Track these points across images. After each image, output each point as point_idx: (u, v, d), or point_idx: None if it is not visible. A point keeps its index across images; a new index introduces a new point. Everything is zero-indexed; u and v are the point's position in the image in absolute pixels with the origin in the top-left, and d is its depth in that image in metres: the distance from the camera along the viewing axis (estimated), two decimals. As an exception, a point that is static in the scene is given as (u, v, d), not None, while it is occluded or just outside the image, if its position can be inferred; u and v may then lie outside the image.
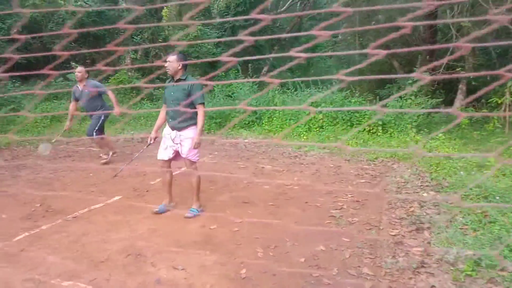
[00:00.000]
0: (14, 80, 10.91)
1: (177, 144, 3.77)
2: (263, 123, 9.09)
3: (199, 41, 13.21)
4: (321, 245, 3.16)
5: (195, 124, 3.74)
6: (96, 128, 5.96)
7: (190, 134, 3.74)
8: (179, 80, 3.74)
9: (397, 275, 2.64)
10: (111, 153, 6.17)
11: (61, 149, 7.16)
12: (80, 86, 5.86)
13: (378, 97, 9.65)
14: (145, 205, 4.09)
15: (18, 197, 4.47)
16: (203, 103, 3.74)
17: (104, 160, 6.08)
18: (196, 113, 3.73)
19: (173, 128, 3.78)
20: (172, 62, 3.65)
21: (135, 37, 12.80)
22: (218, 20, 14.18)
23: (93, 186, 4.88)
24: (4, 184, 5.05)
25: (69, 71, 8.70)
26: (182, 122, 3.70)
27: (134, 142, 8.17)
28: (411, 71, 9.72)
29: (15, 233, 3.45)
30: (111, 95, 5.95)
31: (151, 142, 4.05)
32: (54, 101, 11.01)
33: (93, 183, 5.03)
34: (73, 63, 11.47)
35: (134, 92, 11.58)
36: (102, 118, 6.00)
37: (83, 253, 3.03)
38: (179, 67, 3.68)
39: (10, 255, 3.02)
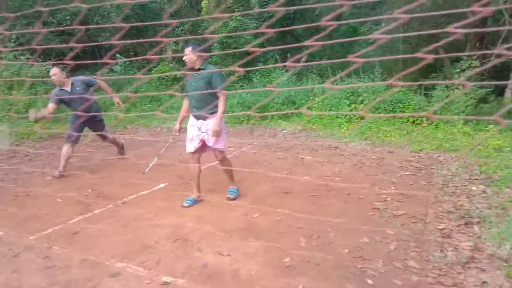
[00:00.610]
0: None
1: (203, 133, 3.78)
2: (301, 114, 9.04)
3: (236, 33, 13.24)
4: (365, 237, 3.13)
5: (216, 113, 3.73)
6: (105, 128, 5.47)
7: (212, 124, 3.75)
8: (198, 70, 3.74)
9: (446, 270, 2.58)
10: (121, 142, 5.92)
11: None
12: (67, 88, 4.98)
13: (422, 87, 9.28)
14: (189, 193, 4.22)
15: (71, 182, 4.75)
16: (224, 91, 3.73)
17: (58, 175, 4.97)
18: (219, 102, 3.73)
19: (197, 118, 3.80)
20: (188, 54, 3.67)
21: (176, 28, 13.04)
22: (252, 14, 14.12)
23: (140, 173, 5.07)
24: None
25: (115, 60, 9.00)
26: (206, 111, 3.69)
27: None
28: (458, 60, 9.26)
29: (70, 216, 3.68)
30: (103, 85, 5.31)
31: (177, 134, 4.13)
32: (100, 92, 11.47)
33: (139, 170, 5.23)
34: (118, 55, 11.88)
35: (176, 83, 11.85)
36: (102, 117, 5.43)
37: (133, 237, 3.19)
38: (196, 58, 3.68)
39: (67, 237, 3.23)
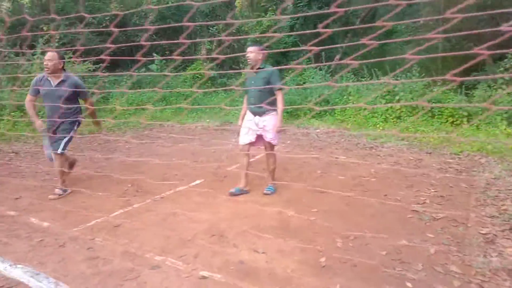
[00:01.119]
0: (104, 71, 11.93)
1: (260, 128, 4.03)
2: (335, 113, 8.93)
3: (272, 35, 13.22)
4: (404, 239, 3.06)
5: (275, 110, 3.97)
6: (68, 142, 4.20)
7: (272, 120, 4.01)
8: (258, 69, 4.00)
9: (490, 276, 2.48)
10: (66, 190, 4.31)
11: (146, 134, 7.71)
12: (52, 80, 4.04)
13: (463, 85, 8.94)
14: (225, 190, 4.28)
15: (111, 178, 4.93)
16: (281, 89, 3.95)
17: (58, 194, 4.21)
18: (275, 100, 3.94)
19: (255, 114, 4.07)
20: (253, 52, 3.92)
21: (210, 28, 13.21)
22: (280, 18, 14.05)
23: (176, 170, 5.20)
24: (99, 165, 5.59)
25: (151, 58, 9.23)
26: (263, 109, 3.93)
27: (210, 130, 8.51)
28: (502, 58, 8.83)
29: (111, 209, 3.83)
30: (89, 104, 4.26)
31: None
32: (138, 88, 11.84)
33: (176, 167, 5.36)
34: (154, 54, 12.16)
35: (209, 82, 12.00)
36: (75, 128, 4.29)
37: (172, 231, 3.27)
38: (260, 57, 3.95)
39: (109, 229, 3.36)
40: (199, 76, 12.29)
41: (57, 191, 4.23)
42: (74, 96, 4.16)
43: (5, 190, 4.51)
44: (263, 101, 3.80)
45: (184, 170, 5.21)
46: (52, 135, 4.15)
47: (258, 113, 4.03)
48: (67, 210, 3.84)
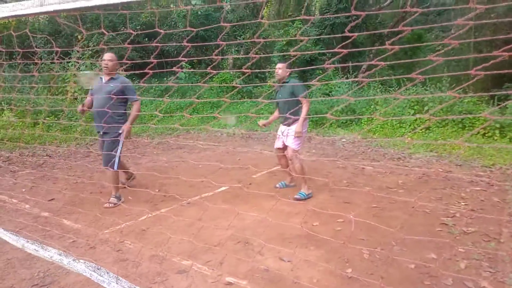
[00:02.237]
0: (134, 78, 12.30)
1: (284, 136, 4.40)
2: (362, 122, 8.85)
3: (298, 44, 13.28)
4: (432, 253, 3.00)
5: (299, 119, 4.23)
6: (119, 154, 4.18)
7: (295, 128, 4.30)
8: (284, 83, 4.35)
9: (524, 294, 2.40)
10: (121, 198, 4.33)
11: (173, 141, 7.86)
12: (104, 78, 4.22)
13: (495, 97, 8.67)
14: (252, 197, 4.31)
15: (140, 182, 5.05)
16: (306, 99, 4.22)
17: (114, 203, 4.22)
18: (300, 110, 4.18)
19: (283, 123, 4.48)
20: (281, 68, 4.30)
21: (238, 37, 13.39)
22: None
23: (202, 176, 5.28)
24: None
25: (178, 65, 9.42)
26: (289, 119, 4.29)
27: (236, 137, 8.59)
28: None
29: (140, 213, 3.92)
30: (136, 107, 4.20)
31: (261, 125, 4.77)
32: (166, 96, 12.11)
33: (201, 173, 5.45)
34: (183, 63, 12.41)
35: (235, 89, 12.14)
36: (122, 139, 4.18)
37: (198, 236, 3.32)
38: (286, 74, 4.35)
39: (138, 233, 3.45)
40: (226, 85, 12.46)
41: (112, 199, 4.23)
42: (122, 96, 4.14)
43: (39, 192, 4.71)
44: (288, 111, 4.18)
45: (210, 176, 5.28)
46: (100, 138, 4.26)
47: (285, 123, 4.41)
48: (97, 213, 3.96)
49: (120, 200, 4.29)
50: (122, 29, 13.78)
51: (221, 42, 1.63)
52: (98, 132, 4.27)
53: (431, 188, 4.72)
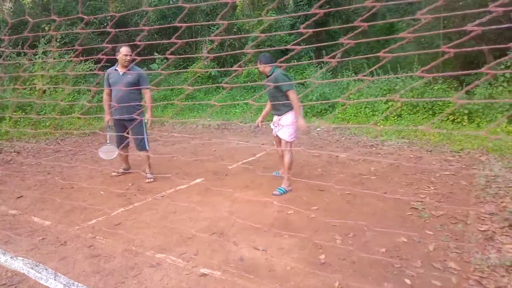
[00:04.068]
0: (104, 70, 11.96)
1: (276, 127, 4.40)
2: (336, 111, 8.94)
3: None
4: (403, 236, 3.08)
5: (291, 110, 4.19)
6: (147, 137, 4.85)
7: (286, 119, 4.24)
8: (268, 76, 4.30)
9: (488, 272, 2.50)
10: (149, 171, 4.84)
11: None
12: (120, 70, 4.58)
13: (464, 84, 8.92)
14: (226, 189, 4.30)
15: (113, 176, 4.95)
16: (291, 89, 4.10)
17: (151, 178, 4.75)
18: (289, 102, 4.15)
19: (274, 114, 4.46)
20: (260, 67, 4.32)
21: (211, 27, 13.22)
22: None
23: (177, 169, 5.22)
24: (100, 164, 5.61)
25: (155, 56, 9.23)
26: (280, 110, 4.29)
27: (211, 129, 8.53)
28: (502, 55, 8.81)
29: (112, 208, 3.85)
30: (148, 95, 4.60)
31: (258, 126, 4.73)
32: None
33: (176, 166, 5.39)
34: (156, 53, 12.19)
35: (210, 81, 12.02)
36: (144, 125, 4.73)
37: (172, 229, 3.29)
38: (268, 68, 4.30)
39: (110, 228, 3.38)
40: (201, 76, 12.31)
41: (149, 176, 4.76)
42: (138, 85, 4.57)
43: (7, 189, 4.54)
44: (279, 103, 4.20)
45: (185, 168, 5.23)
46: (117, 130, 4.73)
47: (275, 113, 4.42)
48: (68, 209, 3.87)
49: (154, 176, 4.78)
50: (92, 20, 13.35)
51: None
52: (119, 120, 4.65)
53: (402, 174, 4.83)
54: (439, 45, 12.01)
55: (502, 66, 8.19)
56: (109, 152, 4.81)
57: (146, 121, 4.67)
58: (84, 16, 1.90)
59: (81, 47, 3.09)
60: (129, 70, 4.54)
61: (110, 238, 3.18)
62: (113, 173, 5.02)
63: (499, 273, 2.49)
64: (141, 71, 4.66)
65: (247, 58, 11.82)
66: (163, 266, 2.69)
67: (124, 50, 4.52)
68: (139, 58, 3.92)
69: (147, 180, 4.71)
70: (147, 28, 2.06)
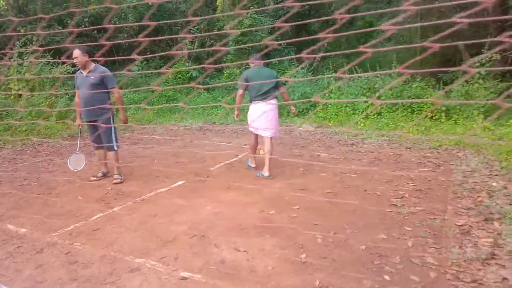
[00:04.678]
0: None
1: (266, 113, 4.73)
2: (317, 111, 9.00)
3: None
4: (382, 233, 3.11)
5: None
6: (116, 137, 4.75)
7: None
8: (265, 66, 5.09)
9: (465, 266, 2.55)
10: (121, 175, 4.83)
11: (127, 136, 7.62)
12: (84, 72, 4.55)
13: (441, 81, 9.11)
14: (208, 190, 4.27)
15: (92, 181, 4.86)
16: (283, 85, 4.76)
17: (117, 179, 4.75)
18: (275, 89, 4.84)
19: (263, 101, 4.74)
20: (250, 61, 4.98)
21: (192, 28, 13.14)
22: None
23: (157, 172, 5.16)
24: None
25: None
26: (268, 95, 4.72)
27: (193, 130, 8.47)
28: (478, 54, 9.03)
29: (91, 213, 3.78)
30: (117, 95, 4.61)
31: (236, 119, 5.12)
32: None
33: (157, 169, 5.33)
34: (135, 56, 12.03)
35: (191, 81, 11.94)
36: (113, 123, 4.74)
37: (152, 233, 3.25)
38: (253, 65, 4.93)
39: (88, 233, 3.32)
40: (182, 77, 12.22)
41: (116, 176, 4.75)
42: (104, 85, 4.51)
43: (-19, 197, 4.41)
44: (268, 88, 4.73)
45: (166, 171, 5.17)
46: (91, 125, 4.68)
47: (264, 101, 4.72)
48: (45, 215, 3.77)
49: (122, 177, 4.78)
50: (68, 22, 13.10)
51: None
52: (88, 121, 4.66)
53: (382, 171, 4.89)
54: (416, 43, 12.22)
55: (477, 64, 8.39)
56: (77, 162, 4.83)
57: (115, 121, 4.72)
58: (44, 16, 1.85)
59: (45, 47, 3.02)
60: (91, 71, 4.52)
61: (88, 244, 3.11)
62: (92, 178, 4.92)
63: (475, 266, 2.54)
64: (106, 71, 4.60)
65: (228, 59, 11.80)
66: (142, 271, 2.65)
67: (73, 54, 4.48)
68: (102, 60, 3.89)
69: (114, 181, 4.69)
70: (108, 26, 2.02)
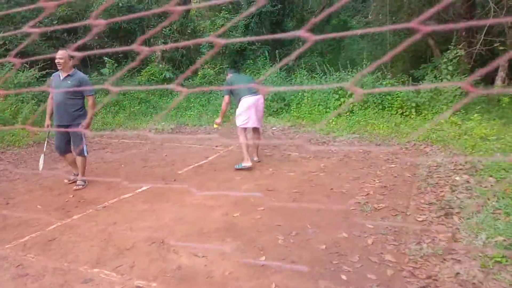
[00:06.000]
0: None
1: (256, 105, 5.08)
2: (291, 110, 9.00)
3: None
4: (344, 232, 3.10)
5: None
6: (85, 143, 4.66)
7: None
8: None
9: (421, 262, 2.55)
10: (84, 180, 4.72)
11: (96, 141, 7.44)
12: (62, 75, 4.43)
13: (411, 78, 9.24)
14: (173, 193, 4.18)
15: (53, 188, 4.70)
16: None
17: (80, 185, 4.64)
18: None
19: (252, 95, 5.00)
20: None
21: (164, 29, 12.95)
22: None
23: (123, 177, 5.04)
24: (41, 176, 5.31)
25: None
26: (255, 89, 5.01)
27: (164, 133, 8.34)
28: (447, 50, 9.19)
29: (48, 223, 3.63)
30: (91, 101, 4.51)
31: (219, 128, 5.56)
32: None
33: (123, 174, 5.20)
34: (106, 58, 11.81)
35: (167, 83, 11.78)
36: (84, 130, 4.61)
37: (110, 241, 3.14)
38: (230, 75, 5.40)
39: (43, 244, 3.19)
40: (155, 78, 12.04)
41: (79, 183, 4.65)
42: (79, 92, 4.46)
43: None
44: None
45: (132, 176, 5.06)
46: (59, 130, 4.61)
47: (253, 95, 4.99)
48: (1, 226, 3.62)
49: (85, 183, 4.68)
50: (37, 25, 12.71)
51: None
52: (58, 125, 4.53)
53: (350, 169, 4.90)
54: (389, 41, 12.41)
55: (445, 60, 8.54)
56: (40, 162, 4.82)
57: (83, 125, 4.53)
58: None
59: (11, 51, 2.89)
60: (69, 75, 4.44)
61: (42, 255, 2.99)
62: (65, 181, 4.88)
63: (431, 262, 2.55)
64: (84, 76, 4.57)
65: (202, 59, 11.68)
66: (95, 282, 2.55)
67: (57, 54, 4.38)
68: (77, 62, 3.77)
69: (75, 187, 4.61)
70: (53, 26, 1.92)
